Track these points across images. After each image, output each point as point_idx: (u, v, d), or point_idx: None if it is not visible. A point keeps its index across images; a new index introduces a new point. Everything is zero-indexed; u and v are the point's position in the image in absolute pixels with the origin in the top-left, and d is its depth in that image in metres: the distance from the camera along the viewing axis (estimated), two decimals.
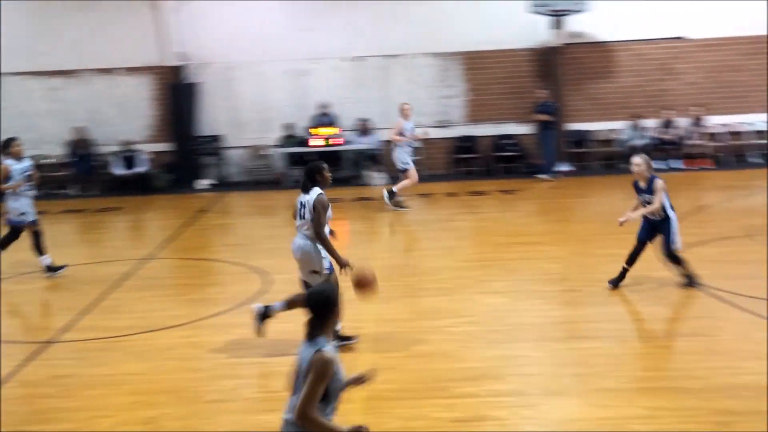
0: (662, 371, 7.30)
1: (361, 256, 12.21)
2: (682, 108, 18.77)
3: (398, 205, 15.31)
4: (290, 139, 19.37)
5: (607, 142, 19.28)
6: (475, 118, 19.46)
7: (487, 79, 19.32)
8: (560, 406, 6.73)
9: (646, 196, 9.43)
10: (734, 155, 18.90)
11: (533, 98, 18.32)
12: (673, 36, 18.97)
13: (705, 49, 18.96)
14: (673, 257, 9.52)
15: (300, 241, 8.03)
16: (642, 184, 9.46)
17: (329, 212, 7.98)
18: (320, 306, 4.39)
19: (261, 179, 19.65)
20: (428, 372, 7.56)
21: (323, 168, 8.09)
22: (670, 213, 9.42)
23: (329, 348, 4.34)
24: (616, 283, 9.70)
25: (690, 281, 9.59)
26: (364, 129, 19.26)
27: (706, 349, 7.81)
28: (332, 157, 19.19)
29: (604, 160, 19.17)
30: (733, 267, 10.49)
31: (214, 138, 19.89)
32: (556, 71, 18.86)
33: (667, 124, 18.81)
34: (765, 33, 18.63)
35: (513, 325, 8.68)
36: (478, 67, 19.32)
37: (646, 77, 19.10)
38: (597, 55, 19.15)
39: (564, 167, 18.63)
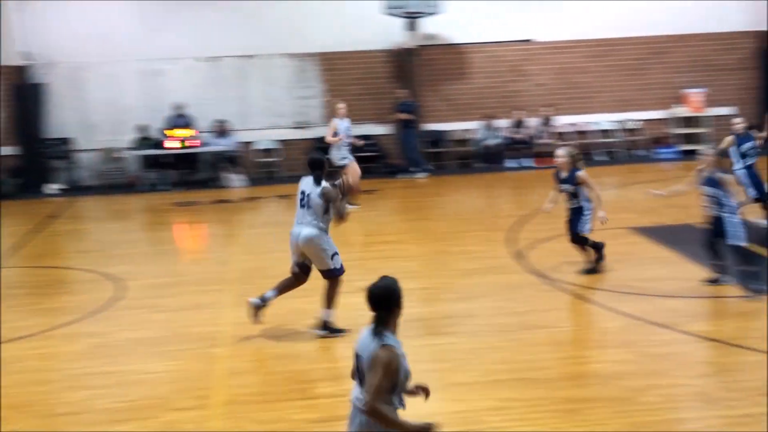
0: (513, 363, 7.54)
1: (219, 259, 12.12)
2: (533, 108, 19.45)
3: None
4: (145, 141, 18.91)
5: (463, 141, 19.76)
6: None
7: (345, 80, 19.45)
8: (416, 402, 6.83)
9: (566, 186, 10.00)
10: (581, 153, 19.67)
11: (392, 98, 18.57)
12: (523, 39, 19.62)
13: (553, 51, 19.71)
14: (579, 241, 10.11)
15: (305, 230, 8.22)
16: (563, 174, 9.88)
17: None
18: (383, 300, 4.35)
19: (114, 183, 19.11)
20: (288, 374, 7.55)
21: (326, 159, 8.78)
22: (584, 203, 10.02)
23: (394, 342, 4.34)
24: (590, 271, 10.15)
25: (592, 269, 10.10)
26: (221, 130, 19.02)
27: (553, 340, 8.14)
28: (188, 159, 18.90)
29: (459, 160, 19.64)
30: (577, 261, 10.92)
31: (64, 141, 19.17)
32: (412, 72, 19.17)
33: (519, 124, 19.45)
34: (609, 36, 19.54)
35: None
36: (336, 68, 19.42)
37: (498, 78, 19.68)
38: (451, 57, 19.59)
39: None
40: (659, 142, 19.78)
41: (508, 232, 12.74)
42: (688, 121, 19.82)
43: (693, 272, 9.93)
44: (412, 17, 18.39)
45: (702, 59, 19.81)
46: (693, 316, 8.75)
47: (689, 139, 19.61)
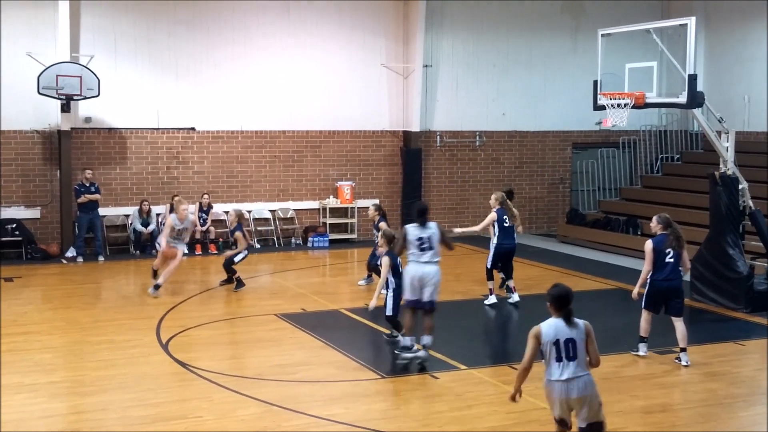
0: None
1: None
2: (192, 195, 19.49)
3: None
4: None
5: (120, 227, 19.27)
6: None
7: None
8: None
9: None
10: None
11: (46, 180, 17.81)
12: (186, 127, 19.73)
13: (213, 140, 20.00)
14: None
15: (432, 267, 10.08)
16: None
17: None
18: (570, 298, 6.47)
19: None
20: None
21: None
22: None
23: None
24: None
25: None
26: None
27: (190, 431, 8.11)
28: None
29: (116, 245, 19.10)
30: (222, 349, 11.06)
31: None
32: (69, 155, 18.47)
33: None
34: (267, 128, 20.27)
35: None
36: None
37: (159, 165, 19.54)
38: (109, 141, 19.16)
39: (72, 252, 18.17)
40: (313, 230, 20.60)
41: (157, 320, 12.57)
42: (339, 212, 20.96)
43: (331, 357, 10.41)
44: (66, 99, 17.79)
45: (352, 155, 21.17)
46: (326, 400, 9.16)
47: (340, 228, 20.71)
